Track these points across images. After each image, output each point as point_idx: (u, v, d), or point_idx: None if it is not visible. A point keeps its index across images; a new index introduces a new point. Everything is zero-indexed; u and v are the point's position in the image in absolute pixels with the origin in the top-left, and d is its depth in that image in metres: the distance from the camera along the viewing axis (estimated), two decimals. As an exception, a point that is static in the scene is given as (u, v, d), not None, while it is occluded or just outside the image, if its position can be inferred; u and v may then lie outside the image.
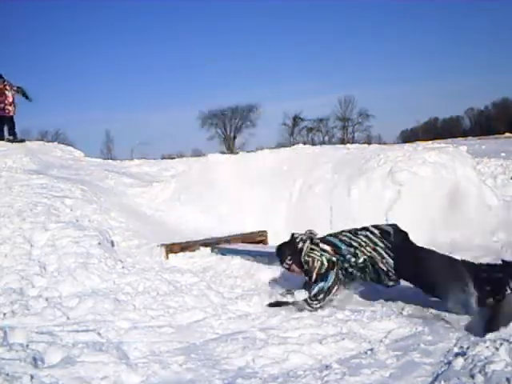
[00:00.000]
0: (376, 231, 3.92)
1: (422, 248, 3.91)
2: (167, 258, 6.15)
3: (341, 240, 4.01)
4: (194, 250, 6.43)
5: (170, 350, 3.39)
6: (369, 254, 3.85)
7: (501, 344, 2.74)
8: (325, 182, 7.31)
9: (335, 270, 4.00)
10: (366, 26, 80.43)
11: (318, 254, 4.06)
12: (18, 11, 74.48)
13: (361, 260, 3.89)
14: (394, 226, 4.01)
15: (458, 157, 7.05)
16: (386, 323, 3.71)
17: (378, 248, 3.82)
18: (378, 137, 54.03)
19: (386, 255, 3.80)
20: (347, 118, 54.18)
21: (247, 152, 11.33)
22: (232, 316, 4.15)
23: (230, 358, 3.20)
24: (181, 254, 6.29)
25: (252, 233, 7.09)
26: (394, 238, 3.86)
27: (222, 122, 52.84)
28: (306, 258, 4.14)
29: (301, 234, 4.31)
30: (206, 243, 6.58)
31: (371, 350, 3.17)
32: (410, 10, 78.69)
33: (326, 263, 4.02)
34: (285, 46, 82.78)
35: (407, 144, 13.78)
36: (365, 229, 4.00)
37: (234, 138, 53.07)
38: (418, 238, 5.93)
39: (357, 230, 4.05)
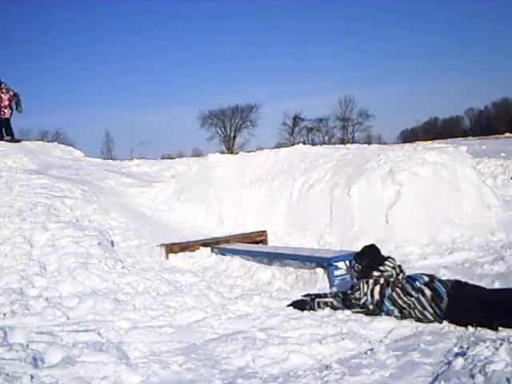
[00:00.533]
0: (428, 292, 3.68)
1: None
2: (167, 258, 6.15)
3: (390, 298, 3.84)
4: (193, 250, 6.44)
5: (170, 350, 3.39)
6: (415, 316, 3.74)
7: (501, 344, 2.75)
8: (325, 182, 7.31)
9: (364, 310, 3.95)
10: (366, 26, 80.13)
11: (364, 291, 3.97)
12: (18, 11, 74.42)
13: (406, 315, 3.78)
14: (451, 287, 3.70)
15: (458, 157, 7.05)
16: (385, 323, 3.72)
17: (425, 312, 3.68)
18: (378, 137, 53.89)
19: (432, 318, 3.66)
20: (347, 117, 54.02)
21: (247, 152, 11.34)
22: (232, 316, 4.15)
23: (230, 358, 3.20)
24: (181, 254, 6.30)
25: (252, 233, 7.09)
26: (447, 304, 3.60)
27: (221, 121, 52.74)
28: (361, 281, 4.05)
29: (390, 267, 4.02)
30: (205, 243, 6.59)
31: (371, 350, 3.17)
32: (410, 10, 78.58)
33: (360, 302, 3.96)
34: (285, 45, 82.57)
35: (407, 144, 13.80)
36: (420, 291, 3.73)
37: (234, 137, 52.99)
38: (419, 238, 5.99)
39: (414, 287, 3.77)
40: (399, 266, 4.08)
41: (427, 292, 3.70)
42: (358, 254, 4.35)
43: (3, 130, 13.04)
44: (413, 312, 3.72)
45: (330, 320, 3.83)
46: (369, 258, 4.17)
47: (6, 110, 12.96)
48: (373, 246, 4.40)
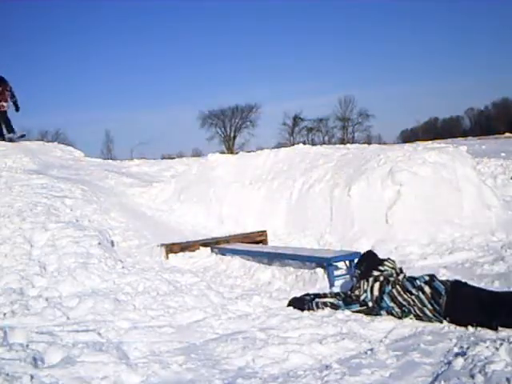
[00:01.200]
0: (427, 290, 3.72)
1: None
2: (167, 258, 6.15)
3: (390, 295, 3.88)
4: (193, 250, 6.44)
5: (170, 350, 3.39)
6: (414, 313, 3.75)
7: (501, 344, 2.74)
8: (325, 182, 7.31)
9: (364, 307, 3.97)
10: (366, 26, 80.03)
11: (364, 288, 4.01)
12: (18, 11, 74.34)
13: (406, 313, 3.80)
14: (450, 285, 3.74)
15: (457, 157, 7.05)
16: (386, 323, 3.72)
17: (424, 309, 3.70)
18: (378, 137, 53.81)
19: (432, 316, 3.67)
20: (347, 117, 53.93)
21: (247, 152, 11.34)
22: (232, 316, 4.15)
23: (230, 358, 3.20)
24: (181, 254, 6.30)
25: (252, 233, 7.09)
26: (447, 300, 3.62)
27: (221, 121, 52.70)
28: (361, 281, 4.10)
29: (390, 267, 4.09)
30: (205, 243, 6.58)
31: (371, 350, 3.17)
32: (410, 10, 78.53)
33: (360, 299, 3.99)
34: (285, 45, 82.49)
35: (407, 144, 13.79)
36: (420, 288, 3.77)
37: (234, 137, 52.94)
38: (419, 238, 5.99)
39: (414, 285, 3.82)
40: (400, 269, 4.12)
41: (427, 290, 3.73)
42: (360, 259, 4.41)
43: (3, 126, 13.03)
44: (412, 309, 3.74)
45: (330, 320, 3.83)
46: (367, 262, 4.23)
47: (5, 104, 12.95)
48: (370, 251, 4.49)
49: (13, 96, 13.10)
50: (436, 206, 6.34)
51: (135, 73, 78.73)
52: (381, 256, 5.19)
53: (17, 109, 13.29)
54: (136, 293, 4.64)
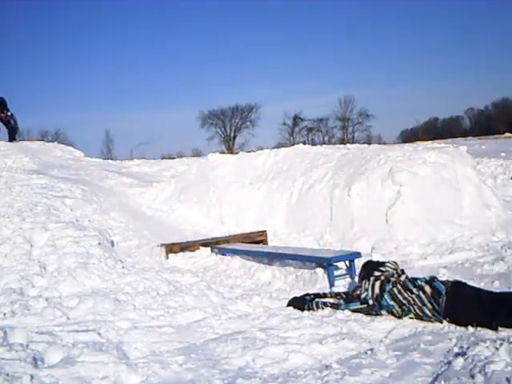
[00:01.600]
0: (428, 290, 3.73)
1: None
2: (167, 258, 6.15)
3: (390, 293, 3.89)
4: (193, 250, 6.44)
5: (170, 350, 3.39)
6: (414, 312, 3.76)
7: (501, 344, 2.74)
8: (325, 182, 7.31)
9: (365, 305, 3.99)
10: (366, 26, 79.99)
11: (365, 288, 4.04)
12: (17, 11, 74.35)
13: (406, 312, 3.81)
14: (451, 285, 3.77)
15: (457, 157, 7.05)
16: (386, 323, 3.71)
17: (424, 309, 3.70)
18: (378, 137, 53.77)
19: (431, 316, 3.67)
20: (347, 117, 53.85)
21: (247, 152, 11.34)
22: (232, 316, 4.15)
23: (230, 358, 3.20)
24: (181, 254, 6.30)
25: (252, 233, 7.09)
26: (447, 300, 3.62)
27: (222, 121, 52.68)
28: (362, 281, 4.13)
29: (391, 268, 4.13)
30: (205, 243, 6.58)
31: (371, 350, 3.16)
32: (410, 10, 78.53)
33: (361, 297, 4.02)
34: (285, 45, 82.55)
35: (407, 144, 13.80)
36: (420, 288, 3.78)
37: (234, 137, 52.92)
38: (419, 238, 5.99)
39: (415, 285, 3.83)
40: (401, 270, 4.14)
41: (427, 289, 3.74)
42: (364, 266, 4.41)
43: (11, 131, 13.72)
44: (412, 308, 3.75)
45: (330, 320, 3.83)
46: (366, 269, 4.26)
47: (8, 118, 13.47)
48: (368, 261, 4.55)
49: (15, 122, 13.53)
50: (436, 206, 6.34)
51: (135, 73, 78.71)
52: (381, 257, 5.23)
53: (14, 135, 13.88)
54: (136, 293, 4.64)
